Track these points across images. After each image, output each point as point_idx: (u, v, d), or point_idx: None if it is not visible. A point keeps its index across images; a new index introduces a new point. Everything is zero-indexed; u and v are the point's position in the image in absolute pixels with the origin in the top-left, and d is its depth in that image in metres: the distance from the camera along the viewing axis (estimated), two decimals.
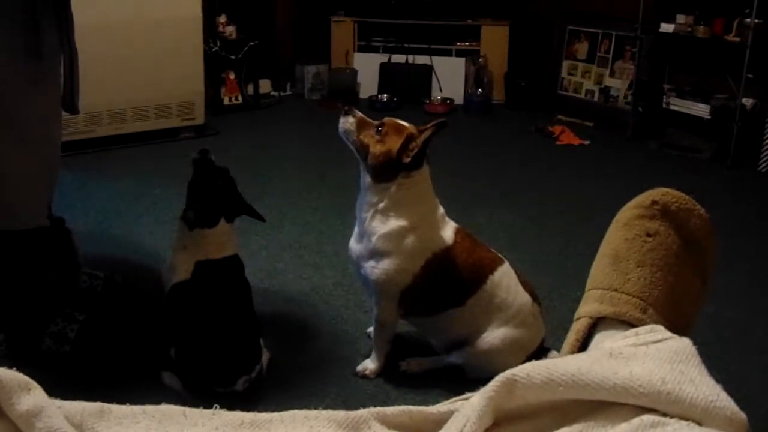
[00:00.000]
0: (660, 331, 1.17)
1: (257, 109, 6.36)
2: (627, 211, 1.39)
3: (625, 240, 1.33)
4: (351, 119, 2.42)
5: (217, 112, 5.95)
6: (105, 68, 4.71)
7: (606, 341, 1.22)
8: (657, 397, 1.04)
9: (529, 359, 2.39)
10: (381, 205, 2.36)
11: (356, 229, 2.48)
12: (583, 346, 1.27)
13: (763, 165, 5.26)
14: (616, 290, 1.27)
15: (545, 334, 2.51)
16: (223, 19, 6.13)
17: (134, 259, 3.31)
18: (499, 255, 2.52)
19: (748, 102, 5.37)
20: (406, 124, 2.39)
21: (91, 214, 3.82)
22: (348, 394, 2.39)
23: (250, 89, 6.43)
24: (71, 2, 2.52)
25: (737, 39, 5.29)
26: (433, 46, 6.70)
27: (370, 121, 2.42)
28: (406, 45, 6.74)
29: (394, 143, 2.32)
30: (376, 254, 2.37)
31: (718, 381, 2.28)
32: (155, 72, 5.08)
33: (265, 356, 2.43)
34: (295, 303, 2.99)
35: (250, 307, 2.42)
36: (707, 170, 5.29)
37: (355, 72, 6.80)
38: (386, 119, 2.40)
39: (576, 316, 1.31)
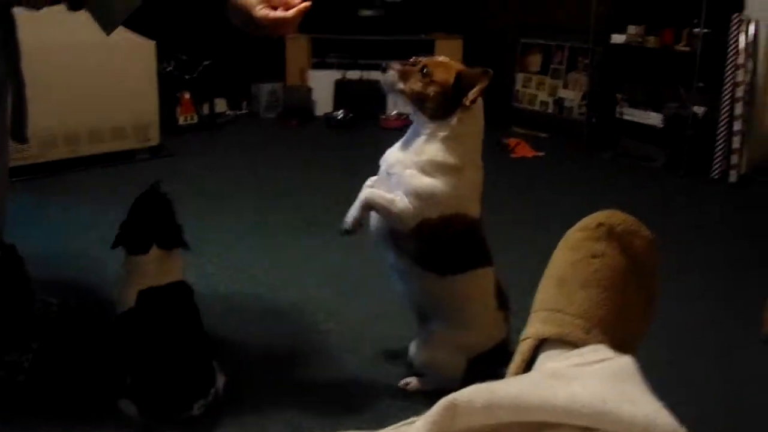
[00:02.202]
0: (602, 351, 1.18)
1: (213, 128, 6.35)
2: (573, 234, 1.41)
3: (571, 262, 1.35)
4: (392, 72, 2.37)
5: (172, 133, 5.91)
6: (58, 90, 4.68)
7: (549, 362, 1.23)
8: (598, 417, 1.05)
9: (482, 357, 2.43)
10: (442, 134, 2.32)
11: (401, 142, 2.43)
12: (528, 366, 1.28)
13: (716, 172, 5.32)
14: (560, 311, 1.28)
15: (505, 337, 2.48)
16: None
17: (89, 284, 3.27)
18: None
19: (699, 110, 5.45)
20: (445, 59, 2.39)
21: (46, 239, 3.79)
22: (303, 416, 2.38)
23: (206, 109, 6.42)
24: (17, 30, 2.50)
25: (687, 48, 5.39)
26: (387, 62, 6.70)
27: (410, 67, 2.38)
28: (360, 61, 6.77)
29: (447, 79, 2.31)
30: (421, 169, 2.32)
31: (669, 388, 2.31)
32: (109, 93, 5.05)
33: (221, 379, 2.42)
34: (251, 325, 2.97)
35: (200, 330, 2.41)
36: (661, 178, 5.36)
37: (310, 89, 6.82)
38: (425, 59, 2.38)
39: (521, 337, 1.33)
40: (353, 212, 2.38)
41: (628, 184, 5.22)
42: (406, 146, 2.39)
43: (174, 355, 2.29)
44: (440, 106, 2.32)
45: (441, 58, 2.41)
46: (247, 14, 2.25)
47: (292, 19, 2.24)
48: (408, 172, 2.32)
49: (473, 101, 2.30)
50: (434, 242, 2.35)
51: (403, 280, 2.49)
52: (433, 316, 2.49)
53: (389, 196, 2.31)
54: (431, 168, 2.30)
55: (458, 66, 2.36)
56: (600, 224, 1.38)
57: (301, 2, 2.27)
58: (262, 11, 2.23)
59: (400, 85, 2.36)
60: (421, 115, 2.36)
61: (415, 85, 2.34)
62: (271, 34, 2.33)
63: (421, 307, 2.53)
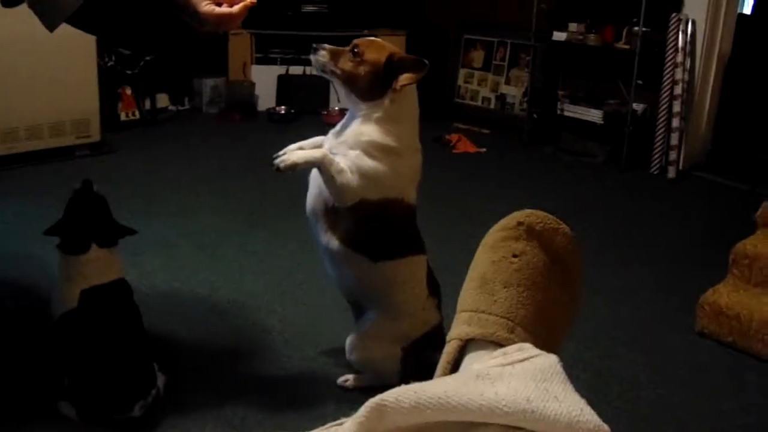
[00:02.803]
0: (527, 350, 1.20)
1: (155, 124, 6.30)
2: (493, 234, 1.42)
3: (492, 262, 1.36)
4: (322, 53, 2.39)
5: (113, 129, 5.86)
6: None
7: (475, 362, 1.24)
8: (522, 416, 1.07)
9: (417, 344, 2.47)
10: (376, 115, 2.32)
11: (340, 125, 2.43)
12: (454, 368, 1.29)
13: (655, 168, 5.41)
14: (483, 312, 1.29)
15: (438, 323, 2.52)
16: None
17: (28, 284, 3.23)
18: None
19: (638, 107, 5.54)
20: (378, 40, 2.40)
21: None
22: (243, 415, 2.38)
23: (148, 104, 6.37)
24: None
25: (627, 46, 5.46)
26: None
27: (342, 48, 2.39)
28: (303, 56, 6.75)
29: (377, 59, 2.32)
30: (364, 151, 2.32)
31: (603, 382, 2.35)
32: (48, 89, 4.96)
33: (162, 378, 2.41)
34: (192, 322, 2.97)
35: (140, 330, 2.40)
36: (601, 174, 5.43)
37: (252, 84, 6.79)
38: (356, 40, 2.39)
39: (447, 338, 1.34)
40: (297, 159, 2.30)
41: (569, 180, 5.27)
42: (345, 128, 2.39)
43: (115, 356, 2.28)
44: (371, 86, 2.33)
45: (374, 39, 2.41)
46: (192, 9, 2.26)
47: (237, 15, 2.25)
48: (353, 153, 2.31)
49: (403, 86, 2.31)
50: (369, 225, 2.36)
51: (334, 265, 2.47)
52: (365, 304, 2.51)
53: (342, 165, 2.28)
54: (374, 149, 2.31)
55: (391, 48, 2.37)
56: (519, 223, 1.39)
57: None
58: (207, 7, 2.24)
59: (331, 66, 2.37)
60: (353, 97, 2.37)
61: (346, 65, 2.35)
62: (216, 30, 2.33)
63: (353, 294, 2.54)
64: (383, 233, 2.39)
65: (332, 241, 2.40)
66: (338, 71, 2.37)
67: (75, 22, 2.34)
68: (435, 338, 2.45)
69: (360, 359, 2.52)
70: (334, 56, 2.38)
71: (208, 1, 2.25)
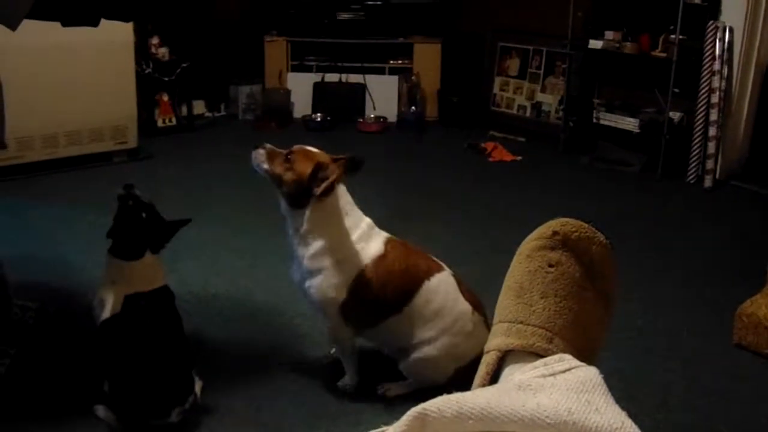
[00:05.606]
0: (568, 360, 1.20)
1: (191, 130, 6.35)
2: (529, 243, 1.42)
3: (528, 272, 1.36)
4: (261, 151, 2.50)
5: (151, 135, 5.92)
6: (36, 92, 4.68)
7: (516, 373, 1.24)
8: (564, 428, 1.07)
9: (470, 367, 2.44)
10: (302, 229, 2.44)
11: (293, 257, 2.53)
12: (494, 378, 1.29)
13: (692, 176, 5.36)
14: (522, 323, 1.30)
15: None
16: (155, 40, 6.09)
17: (68, 287, 3.27)
18: (440, 263, 2.57)
19: (675, 115, 5.50)
20: (315, 150, 2.47)
21: (23, 241, 3.78)
22: (279, 421, 2.40)
23: (184, 110, 6.41)
24: None
25: (663, 54, 5.42)
26: (366, 65, 6.75)
27: (280, 150, 2.49)
28: (339, 64, 6.78)
29: (303, 170, 2.40)
30: (309, 275, 2.45)
31: (639, 394, 2.33)
32: (87, 95, 5.04)
33: (198, 384, 2.43)
34: (228, 328, 2.99)
35: (181, 337, 2.42)
36: (637, 182, 5.39)
37: (288, 92, 6.82)
38: (295, 147, 2.48)
39: (485, 349, 1.34)
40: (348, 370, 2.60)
41: (605, 189, 5.24)
42: (293, 256, 2.52)
43: (156, 362, 2.30)
44: (294, 193, 2.43)
45: (311, 150, 2.48)
46: None
47: None
48: (307, 284, 2.47)
49: (324, 192, 2.39)
50: (373, 302, 2.46)
51: (378, 342, 2.66)
52: (420, 342, 2.52)
53: (328, 326, 2.54)
54: (312, 264, 2.45)
55: (323, 158, 2.44)
56: (555, 233, 1.39)
57: None
58: None
59: (264, 165, 2.49)
60: (281, 198, 2.49)
61: (278, 168, 2.46)
62: None
63: (406, 346, 2.55)
64: (386, 292, 2.46)
65: (362, 334, 2.59)
66: (269, 170, 2.48)
67: (36, 14, 2.35)
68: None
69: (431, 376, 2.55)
70: (271, 157, 2.49)
71: None
